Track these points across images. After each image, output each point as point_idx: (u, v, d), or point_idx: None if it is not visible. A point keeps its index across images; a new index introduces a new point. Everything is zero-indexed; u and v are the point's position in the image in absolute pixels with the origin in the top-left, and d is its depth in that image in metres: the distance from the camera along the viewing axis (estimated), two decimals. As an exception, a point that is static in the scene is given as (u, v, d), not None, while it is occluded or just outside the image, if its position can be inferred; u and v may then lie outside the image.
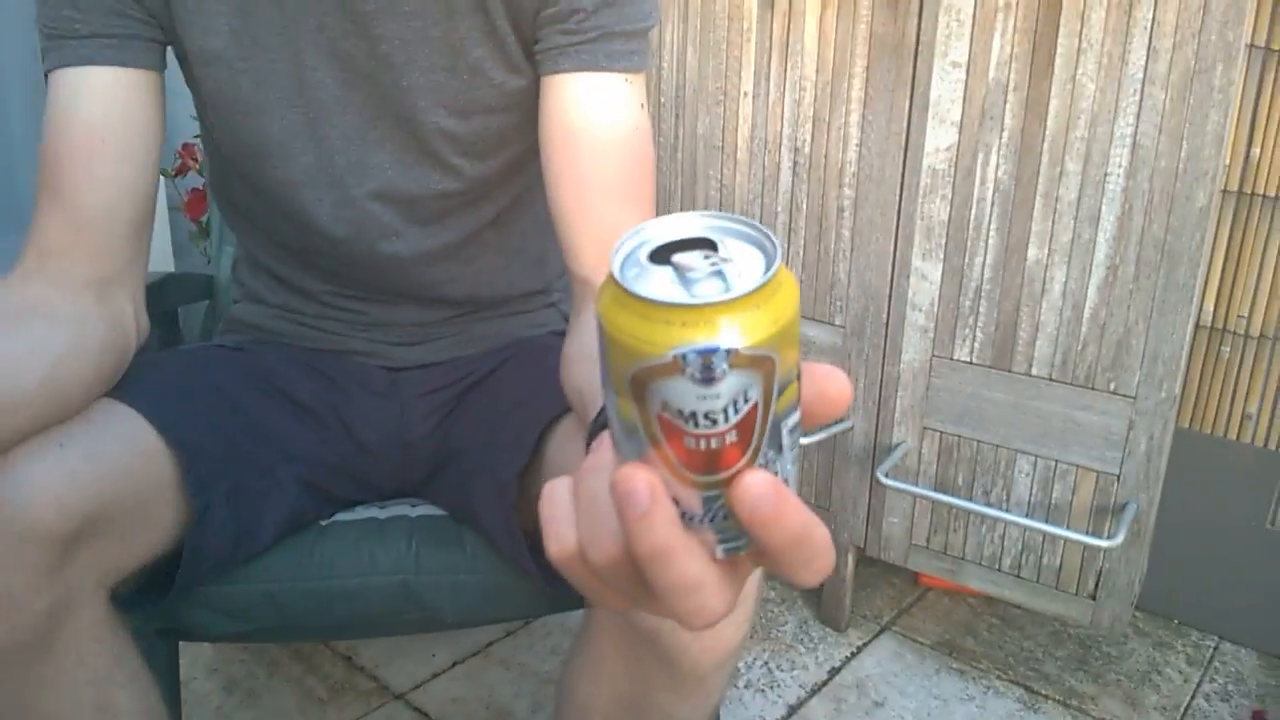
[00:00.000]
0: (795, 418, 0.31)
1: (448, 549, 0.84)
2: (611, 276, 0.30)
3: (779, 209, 1.36)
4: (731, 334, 0.28)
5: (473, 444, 0.87)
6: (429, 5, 0.74)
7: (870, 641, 1.47)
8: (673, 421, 0.29)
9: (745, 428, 0.29)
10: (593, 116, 0.73)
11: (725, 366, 0.28)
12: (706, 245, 0.31)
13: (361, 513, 0.89)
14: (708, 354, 0.28)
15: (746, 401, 0.29)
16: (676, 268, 0.30)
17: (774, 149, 1.34)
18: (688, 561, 0.30)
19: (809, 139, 1.31)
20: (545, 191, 0.76)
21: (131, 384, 0.73)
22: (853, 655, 1.44)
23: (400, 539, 0.84)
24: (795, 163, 1.33)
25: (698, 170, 1.42)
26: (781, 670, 1.40)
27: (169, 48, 0.78)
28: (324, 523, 0.87)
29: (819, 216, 1.32)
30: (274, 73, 0.77)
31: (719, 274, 0.30)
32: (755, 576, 0.62)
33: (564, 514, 0.33)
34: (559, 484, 0.34)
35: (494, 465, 0.80)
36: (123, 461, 0.67)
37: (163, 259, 1.80)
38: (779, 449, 0.31)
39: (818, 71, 1.28)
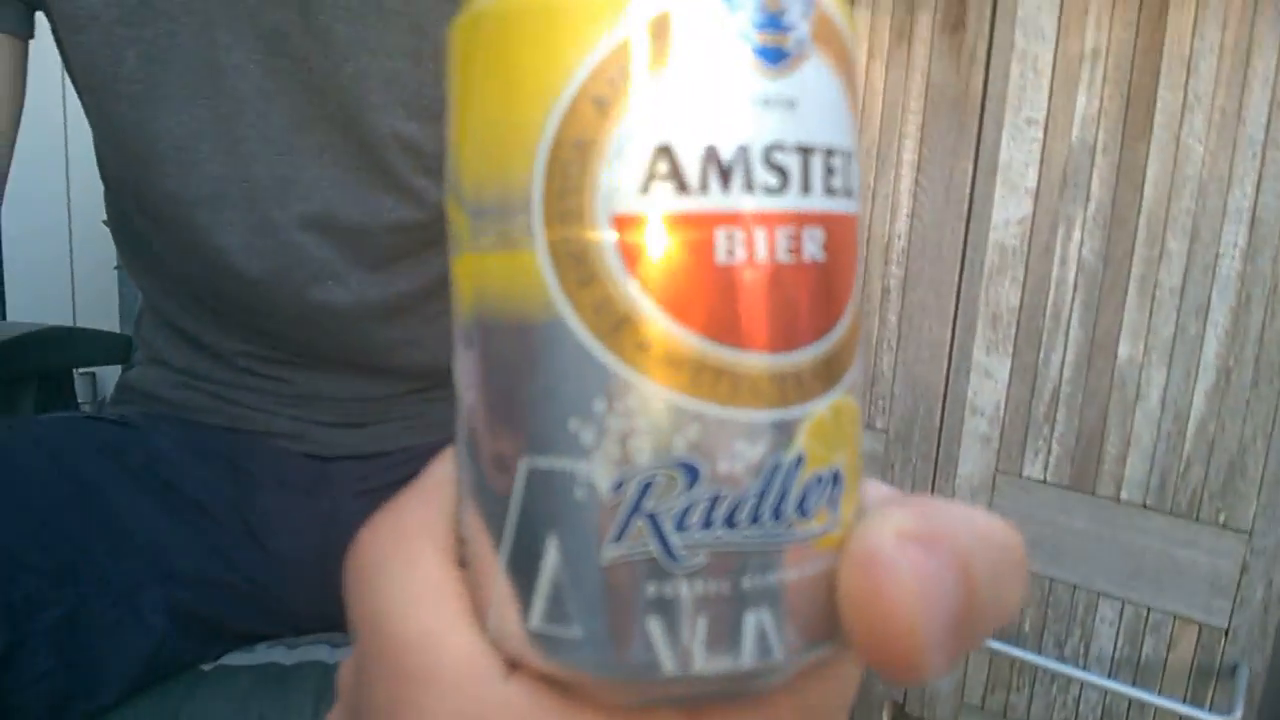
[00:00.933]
0: None
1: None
2: None
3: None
4: None
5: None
6: None
7: (906, 818, 1.21)
8: None
9: None
10: None
11: None
12: None
13: (263, 654, 0.66)
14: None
15: None
16: None
17: (806, 220, 1.15)
18: None
19: (849, 209, 1.11)
20: None
21: None
22: (886, 836, 1.18)
23: (307, 695, 0.61)
24: (832, 236, 1.13)
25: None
26: None
27: (37, 11, 0.59)
28: (206, 667, 0.63)
29: (864, 298, 1.12)
30: (172, 49, 0.57)
31: None
32: None
33: None
34: None
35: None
36: None
37: (107, 320, 1.59)
38: None
39: (863, 130, 1.09)
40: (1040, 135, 0.98)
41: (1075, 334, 0.99)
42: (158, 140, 0.58)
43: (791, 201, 0.17)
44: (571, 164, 0.17)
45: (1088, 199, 0.97)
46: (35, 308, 1.61)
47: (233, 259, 0.62)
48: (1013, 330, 1.03)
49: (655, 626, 0.17)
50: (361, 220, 0.63)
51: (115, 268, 1.53)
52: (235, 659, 0.64)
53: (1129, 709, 1.03)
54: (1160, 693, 1.00)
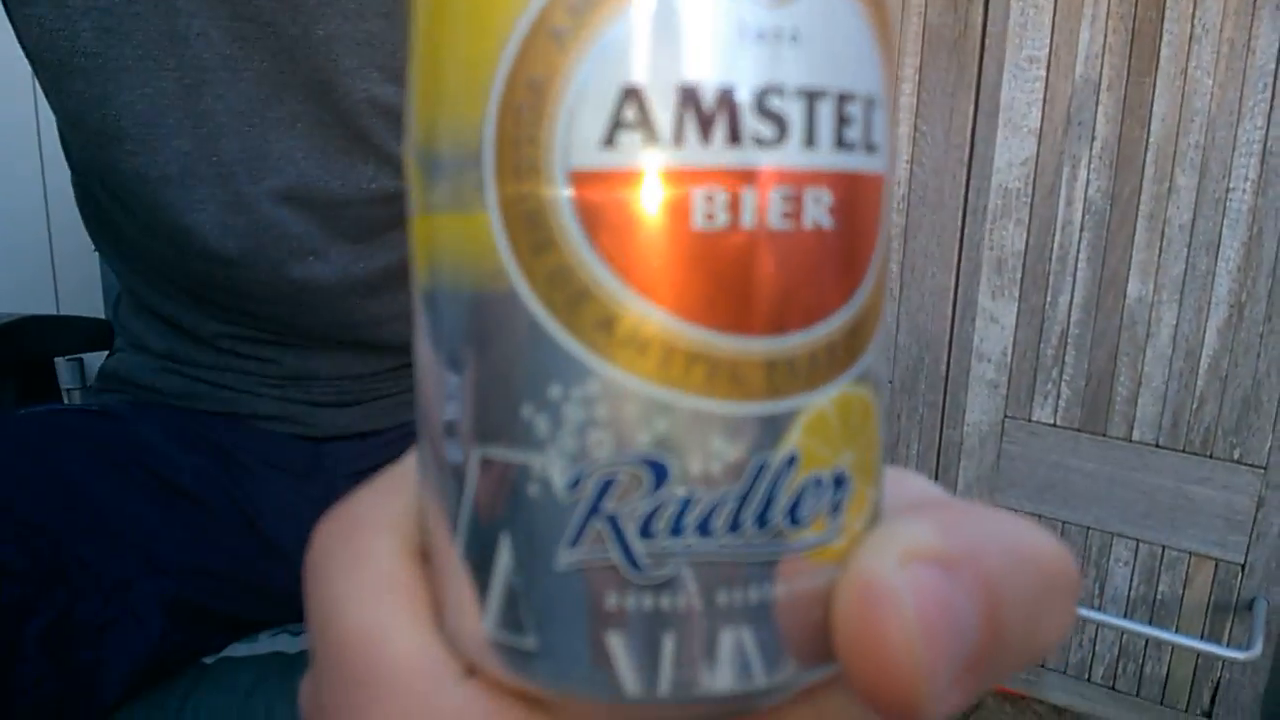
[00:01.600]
0: None
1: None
2: None
3: (809, 241, 1.14)
4: None
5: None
6: None
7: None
8: None
9: None
10: None
11: None
12: None
13: (265, 643, 0.64)
14: None
15: None
16: None
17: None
18: None
19: (846, 155, 1.08)
20: None
21: None
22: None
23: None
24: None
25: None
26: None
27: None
28: (208, 660, 0.62)
29: (860, 248, 1.10)
30: (130, 17, 0.54)
31: None
32: None
33: None
34: None
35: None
36: None
37: (91, 307, 1.56)
38: None
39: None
40: (1042, 73, 0.95)
41: (1083, 275, 0.97)
42: (120, 117, 0.55)
43: (790, 157, 0.14)
44: (525, 108, 0.14)
45: (1093, 137, 0.94)
46: (16, 296, 1.58)
47: (206, 238, 0.59)
48: (1018, 274, 1.00)
49: (616, 642, 0.15)
50: (341, 191, 0.60)
51: (94, 251, 1.49)
52: (238, 650, 0.63)
53: (1146, 647, 1.02)
54: (1177, 630, 0.99)
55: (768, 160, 0.14)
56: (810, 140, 0.15)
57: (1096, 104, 0.93)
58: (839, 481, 0.16)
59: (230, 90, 0.57)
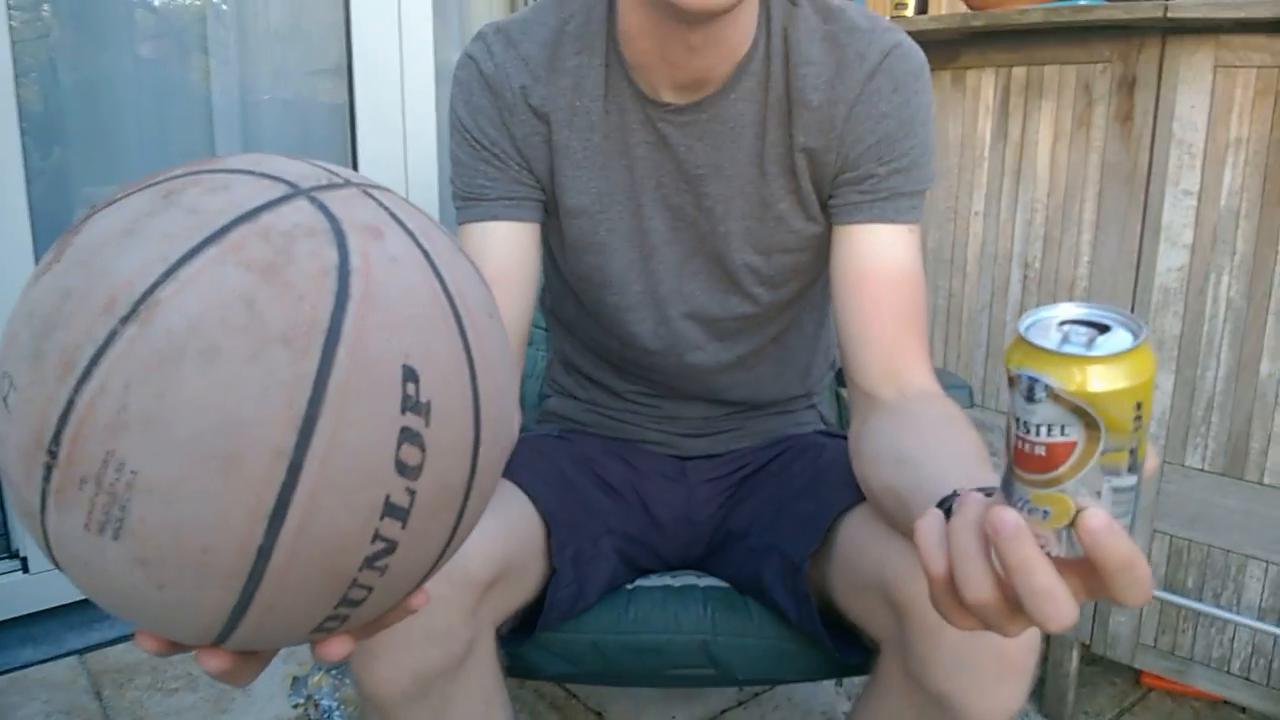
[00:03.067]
0: (1123, 481, 0.44)
1: (738, 615, 0.98)
2: (1018, 331, 0.44)
3: (1008, 319, 1.47)
4: (1055, 377, 0.42)
5: (756, 525, 1.02)
6: (747, 169, 0.92)
7: (1093, 736, 1.51)
8: (1011, 423, 0.44)
9: (1056, 452, 0.43)
10: (882, 260, 0.88)
11: (1043, 395, 0.42)
12: (1100, 327, 0.44)
13: (656, 580, 1.05)
14: (1032, 381, 0.42)
15: (1064, 434, 0.42)
16: (1062, 332, 0.44)
17: (1004, 263, 1.46)
18: (1046, 573, 0.44)
19: (1040, 255, 1.42)
20: (830, 316, 0.91)
21: (512, 465, 0.92)
22: (1076, 748, 1.48)
23: (696, 604, 1.00)
24: (1025, 276, 1.44)
25: (926, 281, 1.55)
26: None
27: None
28: (629, 587, 1.03)
29: (1049, 327, 1.43)
30: (620, 221, 0.96)
31: (1081, 340, 0.43)
32: (1033, 654, 0.74)
33: (937, 544, 0.48)
34: (930, 522, 0.50)
35: (782, 546, 0.94)
36: (518, 528, 0.86)
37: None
38: (1096, 494, 0.43)
39: (1049, 195, 1.39)
40: (1195, 204, 1.26)
41: (1225, 355, 1.27)
42: (609, 274, 0.98)
43: None
44: None
45: (1233, 253, 1.24)
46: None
47: (644, 340, 1.01)
48: (1175, 353, 1.31)
49: None
50: (719, 313, 1.01)
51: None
52: (644, 582, 1.04)
53: (1274, 645, 1.30)
54: (1302, 636, 1.26)
55: None
56: None
57: (1236, 227, 1.24)
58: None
59: (666, 257, 0.98)
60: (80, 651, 1.65)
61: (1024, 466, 0.44)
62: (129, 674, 1.60)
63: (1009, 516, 0.44)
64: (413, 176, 1.86)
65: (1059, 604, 0.45)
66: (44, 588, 1.64)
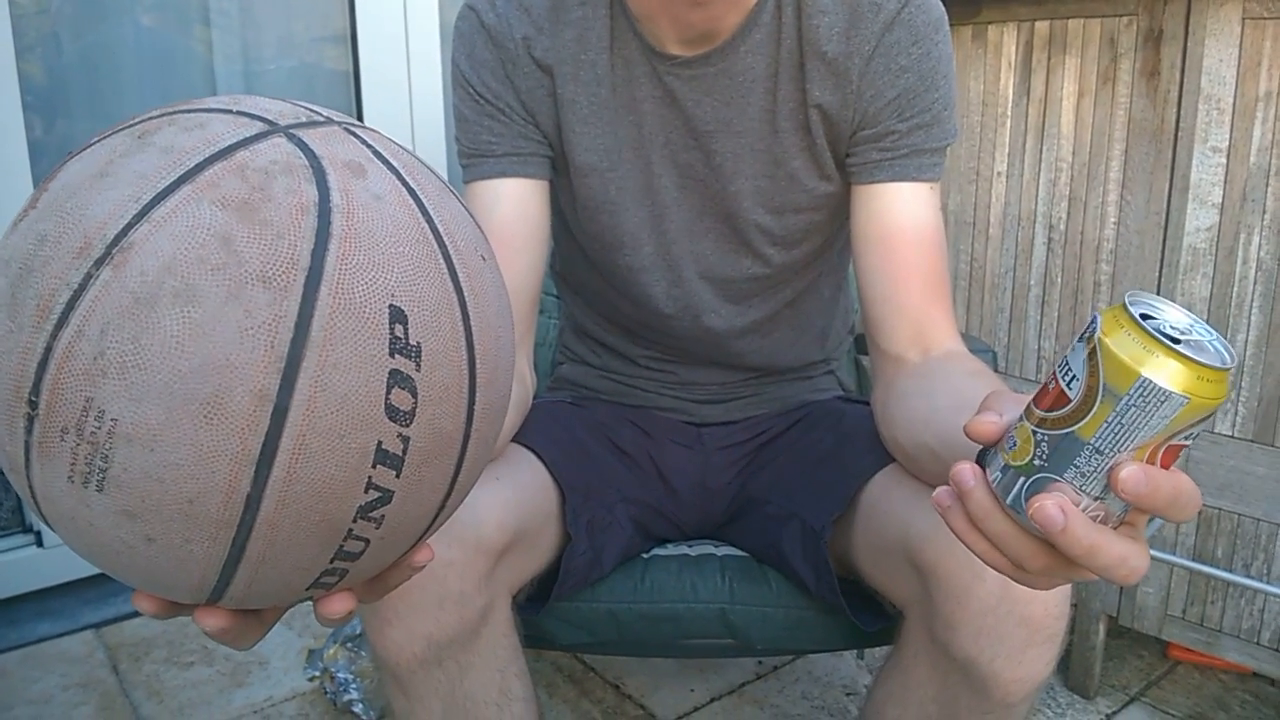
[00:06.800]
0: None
1: (756, 584, 0.96)
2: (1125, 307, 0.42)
3: (1032, 282, 1.44)
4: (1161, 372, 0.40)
5: (775, 493, 0.99)
6: (758, 126, 0.89)
7: (1119, 711, 1.48)
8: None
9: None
10: (905, 220, 0.85)
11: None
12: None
13: (673, 549, 1.03)
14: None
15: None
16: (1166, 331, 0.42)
17: (1027, 225, 1.43)
18: (1112, 546, 0.42)
19: (1065, 217, 1.38)
20: (848, 280, 0.88)
21: (525, 430, 0.90)
22: (1101, 720, 1.46)
23: (714, 573, 0.98)
24: (1050, 239, 1.40)
25: (948, 245, 1.52)
26: (1029, 729, 1.44)
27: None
28: (646, 555, 1.02)
29: (1074, 290, 1.39)
30: (630, 179, 0.94)
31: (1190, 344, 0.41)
32: (1062, 619, 0.72)
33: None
34: (965, 470, 0.47)
35: (803, 513, 0.92)
36: (532, 494, 0.84)
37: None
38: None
39: (1074, 154, 1.36)
40: (1224, 160, 1.22)
41: (1255, 319, 1.23)
42: (621, 234, 0.95)
43: None
44: None
45: (1264, 211, 1.20)
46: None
47: (658, 302, 0.99)
48: (1204, 316, 1.27)
49: None
50: (732, 274, 0.98)
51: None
52: (660, 551, 1.02)
53: (1308, 618, 1.27)
54: (1335, 605, 1.23)
55: None
56: None
57: (1266, 185, 1.20)
58: None
59: (677, 216, 0.96)
60: (96, 625, 1.65)
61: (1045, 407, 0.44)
62: (145, 647, 1.60)
63: (1051, 507, 0.42)
64: (420, 144, 1.84)
65: (1133, 562, 0.43)
66: (59, 562, 1.64)
